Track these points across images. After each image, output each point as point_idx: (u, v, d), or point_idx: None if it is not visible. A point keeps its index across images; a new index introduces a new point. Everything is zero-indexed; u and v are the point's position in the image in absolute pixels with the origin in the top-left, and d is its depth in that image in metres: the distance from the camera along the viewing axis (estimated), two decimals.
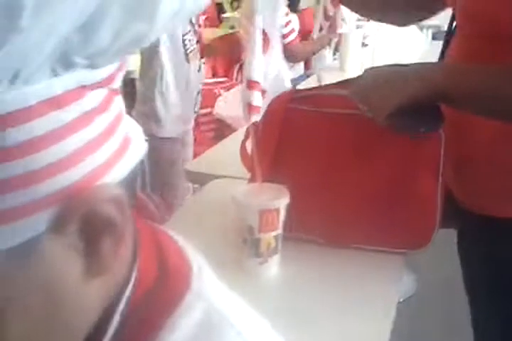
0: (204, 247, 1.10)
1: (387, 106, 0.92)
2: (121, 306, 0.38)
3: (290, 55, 2.58)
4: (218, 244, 1.10)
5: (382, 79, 0.96)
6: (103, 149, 0.34)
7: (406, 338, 2.13)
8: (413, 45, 2.99)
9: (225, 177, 1.38)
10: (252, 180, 1.08)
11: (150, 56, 2.22)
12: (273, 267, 1.00)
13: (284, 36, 2.56)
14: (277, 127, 1.08)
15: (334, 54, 3.21)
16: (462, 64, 0.98)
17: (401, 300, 2.34)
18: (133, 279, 0.39)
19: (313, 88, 1.15)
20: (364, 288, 0.99)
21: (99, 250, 0.34)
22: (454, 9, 1.08)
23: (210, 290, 0.43)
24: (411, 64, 1.01)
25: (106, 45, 0.32)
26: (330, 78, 1.44)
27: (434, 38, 3.61)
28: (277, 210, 0.97)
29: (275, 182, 1.02)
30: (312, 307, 0.93)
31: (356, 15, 2.92)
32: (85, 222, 0.33)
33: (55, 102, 0.31)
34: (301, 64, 3.30)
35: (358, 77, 1.03)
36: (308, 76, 3.09)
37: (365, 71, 1.02)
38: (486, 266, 1.10)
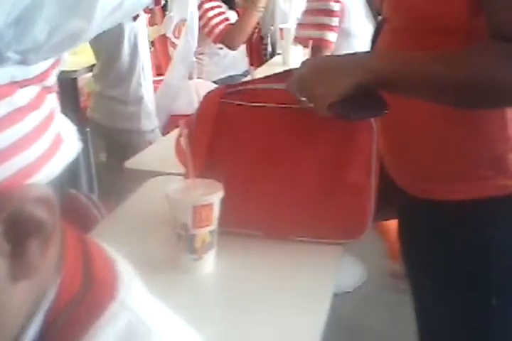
0: (141, 245, 1.10)
1: (330, 96, 0.94)
2: (42, 312, 0.37)
3: (226, 42, 2.61)
4: (155, 242, 1.09)
5: (322, 69, 0.98)
6: (33, 148, 0.33)
7: (353, 327, 2.17)
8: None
9: (165, 174, 1.37)
10: (186, 176, 1.08)
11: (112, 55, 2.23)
12: (209, 263, 1.00)
13: (214, 26, 2.58)
14: (211, 122, 1.08)
15: (273, 49, 3.23)
16: (401, 51, 1.00)
17: (350, 290, 2.37)
18: (56, 285, 0.38)
19: (246, 82, 1.15)
20: (301, 280, 1.00)
21: (25, 252, 0.33)
22: (379, 2, 1.10)
23: (137, 301, 0.43)
24: (346, 54, 1.02)
25: (40, 41, 0.31)
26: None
27: None
28: (211, 205, 0.96)
29: (210, 177, 1.01)
30: (248, 302, 0.93)
31: (297, 10, 2.95)
32: (12, 222, 0.32)
33: None
34: (246, 60, 3.30)
35: (296, 68, 1.04)
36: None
37: (303, 63, 1.02)
38: (430, 253, 1.12)
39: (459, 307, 1.09)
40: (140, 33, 2.28)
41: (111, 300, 0.41)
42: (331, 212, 1.05)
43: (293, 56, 2.81)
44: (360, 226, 1.06)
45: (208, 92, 1.13)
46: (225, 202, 0.98)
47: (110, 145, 2.46)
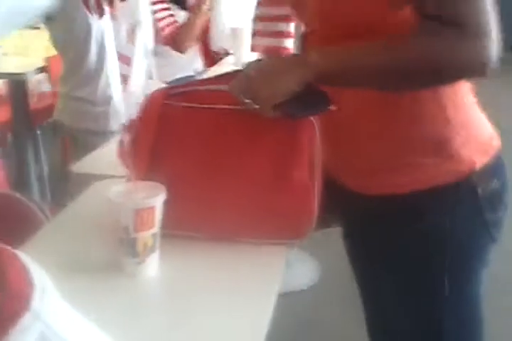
0: (84, 249, 1.08)
1: (275, 96, 0.96)
2: None
3: (173, 45, 2.60)
4: (98, 246, 1.07)
5: (265, 70, 0.99)
6: None
7: (309, 324, 2.18)
8: None
9: (111, 177, 1.35)
10: (128, 179, 1.06)
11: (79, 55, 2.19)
12: (152, 266, 0.98)
13: (161, 29, 2.56)
14: (153, 124, 1.06)
15: None
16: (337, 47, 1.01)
17: (305, 288, 2.39)
18: None
19: (189, 83, 1.14)
20: (246, 281, 0.99)
21: None
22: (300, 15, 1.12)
23: (52, 312, 0.41)
24: (288, 55, 1.03)
25: None
26: None
27: None
28: (153, 208, 0.95)
29: (153, 179, 1.00)
30: (193, 305, 0.92)
31: (248, 10, 2.94)
32: None
33: None
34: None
35: (239, 70, 1.04)
36: None
37: (246, 65, 1.03)
38: (382, 248, 1.12)
39: (412, 298, 1.11)
40: (107, 31, 2.24)
41: (24, 311, 0.40)
42: (275, 213, 1.05)
43: (245, 56, 2.81)
44: (304, 225, 1.06)
45: (151, 93, 1.11)
46: (168, 204, 0.97)
47: (78, 147, 2.40)
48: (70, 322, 0.43)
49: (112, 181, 1.30)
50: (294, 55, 1.00)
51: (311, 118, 1.03)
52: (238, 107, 1.03)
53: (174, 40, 2.58)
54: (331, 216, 1.15)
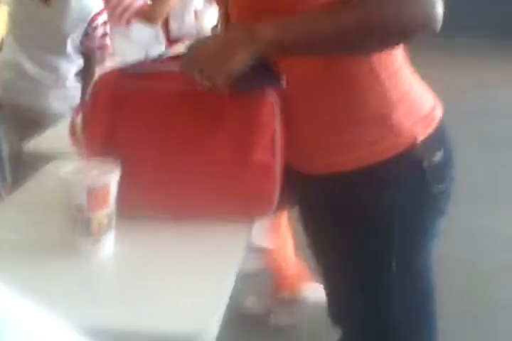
0: (38, 229, 1.06)
1: (227, 73, 0.94)
2: None
3: (146, 16, 2.54)
4: (52, 226, 1.05)
5: (213, 47, 0.97)
6: None
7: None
8: None
9: (67, 156, 1.32)
10: (82, 158, 1.04)
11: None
12: (107, 246, 0.97)
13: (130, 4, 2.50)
14: (106, 103, 1.04)
15: None
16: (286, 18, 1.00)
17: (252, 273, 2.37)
18: None
19: (142, 63, 1.11)
20: (205, 260, 0.98)
21: None
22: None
23: None
24: (231, 29, 1.01)
25: None
26: None
27: None
28: (107, 187, 0.93)
29: (106, 158, 0.98)
30: (149, 284, 0.91)
31: None
32: None
33: None
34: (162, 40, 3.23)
35: (187, 49, 1.02)
36: None
37: (194, 42, 1.01)
38: (331, 225, 1.12)
39: (360, 274, 1.11)
40: None
41: None
42: (237, 191, 1.04)
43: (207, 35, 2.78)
44: (266, 203, 1.06)
45: (104, 73, 1.09)
46: (126, 183, 0.95)
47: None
48: (13, 308, 0.41)
49: (68, 160, 1.27)
50: (242, 30, 0.97)
51: (272, 96, 1.02)
52: (194, 87, 1.02)
53: (147, 11, 2.52)
54: (290, 196, 1.14)
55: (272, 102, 1.03)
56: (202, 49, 0.98)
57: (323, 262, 1.19)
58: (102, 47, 2.33)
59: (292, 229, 1.89)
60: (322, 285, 1.23)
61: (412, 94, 1.05)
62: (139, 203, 1.03)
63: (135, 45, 2.77)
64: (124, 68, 1.09)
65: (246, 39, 0.93)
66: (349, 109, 1.02)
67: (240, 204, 1.06)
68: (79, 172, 0.96)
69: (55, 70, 2.24)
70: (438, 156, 1.03)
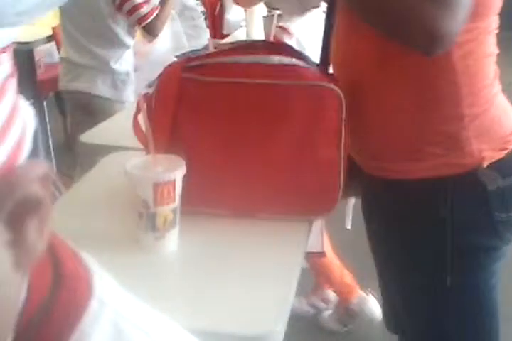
0: (100, 224, 1.05)
1: None
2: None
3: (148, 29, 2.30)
4: (115, 220, 1.04)
5: None
6: (16, 124, 0.30)
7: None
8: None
9: (124, 149, 1.32)
10: (146, 151, 1.03)
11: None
12: (172, 242, 0.96)
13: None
14: (172, 98, 1.02)
15: None
16: None
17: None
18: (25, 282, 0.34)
19: (206, 55, 1.10)
20: (267, 258, 0.97)
21: (27, 238, 0.30)
22: None
23: (113, 296, 0.39)
24: None
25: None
26: None
27: None
28: (173, 182, 0.92)
29: (171, 153, 0.97)
30: (213, 282, 0.90)
31: None
32: (14, 207, 0.29)
33: None
34: (206, 33, 3.22)
35: (254, 41, 1.00)
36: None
37: None
38: (386, 230, 1.10)
39: (415, 287, 1.08)
40: None
41: (90, 296, 0.37)
42: (300, 188, 1.02)
43: (256, 29, 2.75)
44: (329, 201, 1.04)
45: (167, 66, 1.08)
46: (188, 179, 0.94)
47: (89, 116, 2.31)
48: (132, 305, 0.41)
49: (126, 153, 1.27)
50: None
51: (339, 94, 0.99)
52: (260, 80, 1.00)
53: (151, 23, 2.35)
54: (351, 189, 1.12)
55: (340, 98, 1.00)
56: None
57: (379, 267, 1.17)
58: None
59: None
60: (375, 294, 1.21)
61: (490, 114, 0.99)
62: (201, 199, 1.02)
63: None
64: (186, 61, 1.08)
65: None
66: (422, 116, 0.99)
67: (302, 201, 1.04)
68: (145, 167, 0.95)
69: (100, 55, 2.23)
70: (506, 183, 0.98)
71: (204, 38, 2.96)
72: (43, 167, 0.31)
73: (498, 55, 1.01)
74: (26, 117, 0.34)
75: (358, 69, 1.02)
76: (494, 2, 0.95)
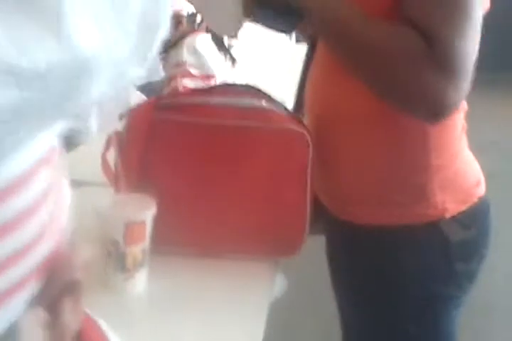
0: None
1: None
2: None
3: None
4: (82, 258, 1.03)
5: None
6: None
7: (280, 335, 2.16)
8: (276, 46, 3.00)
9: (92, 184, 1.31)
10: (116, 189, 1.04)
11: None
12: (140, 282, 0.96)
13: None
14: (143, 137, 1.04)
15: None
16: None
17: (272, 300, 2.37)
18: None
19: (176, 95, 1.12)
20: (235, 298, 0.98)
21: (63, 319, 0.31)
22: None
23: None
24: None
25: None
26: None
27: (297, 40, 3.65)
28: (144, 222, 0.93)
29: (142, 192, 0.97)
30: (181, 322, 0.90)
31: None
32: (58, 293, 0.30)
33: None
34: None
35: (229, 84, 1.02)
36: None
37: None
38: (348, 273, 1.12)
39: (377, 334, 1.09)
40: None
41: None
42: (267, 229, 1.04)
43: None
44: (295, 242, 1.06)
45: (138, 104, 1.08)
46: (158, 219, 0.95)
47: None
48: None
49: (95, 190, 1.26)
50: None
51: (307, 137, 1.02)
52: (230, 122, 1.02)
53: None
54: (316, 227, 1.14)
55: (307, 141, 1.03)
56: None
57: (341, 308, 1.18)
58: None
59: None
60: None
61: (455, 166, 1.02)
62: (169, 239, 1.02)
63: None
64: (158, 100, 1.09)
65: None
66: (391, 166, 1.01)
67: (268, 242, 1.06)
68: (115, 206, 0.95)
69: None
70: (468, 234, 1.01)
71: None
72: (83, 252, 0.32)
73: (470, 111, 1.05)
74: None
75: (333, 114, 1.04)
76: None
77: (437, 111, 0.87)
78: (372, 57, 0.90)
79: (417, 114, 0.92)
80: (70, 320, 0.32)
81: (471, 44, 0.85)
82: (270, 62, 2.50)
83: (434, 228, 1.00)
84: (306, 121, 1.10)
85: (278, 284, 2.47)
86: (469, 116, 1.07)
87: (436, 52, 0.84)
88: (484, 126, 4.09)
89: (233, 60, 1.93)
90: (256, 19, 1.05)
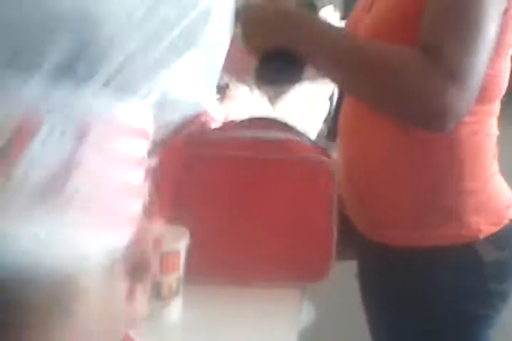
0: None
1: (263, 45, 1.01)
2: None
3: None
4: None
5: (264, 18, 1.02)
6: None
7: None
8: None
9: None
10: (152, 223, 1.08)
11: None
12: (175, 310, 1.00)
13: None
14: (175, 171, 1.09)
15: None
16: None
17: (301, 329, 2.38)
18: None
19: (208, 130, 1.17)
20: (265, 324, 1.01)
21: (135, 297, 0.35)
22: None
23: None
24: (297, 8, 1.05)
25: None
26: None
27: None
28: (178, 252, 0.98)
29: (175, 224, 1.02)
30: None
31: None
32: (135, 264, 0.34)
33: None
34: None
35: (251, 8, 1.06)
36: None
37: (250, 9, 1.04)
38: (381, 296, 1.15)
39: None
40: None
41: None
42: (295, 257, 1.08)
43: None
44: (322, 268, 1.09)
45: (170, 141, 1.14)
46: (190, 248, 0.99)
47: None
48: None
49: None
50: (302, 12, 1.03)
51: (329, 167, 1.07)
52: (259, 155, 1.07)
53: None
54: (347, 252, 1.17)
55: (331, 170, 1.08)
56: (259, 16, 1.02)
57: (374, 332, 1.20)
58: None
59: None
60: None
61: (488, 190, 1.06)
62: (201, 268, 1.06)
63: None
64: (188, 136, 1.15)
65: (292, 26, 0.98)
66: (425, 190, 1.05)
67: (296, 269, 1.10)
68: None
69: None
70: (502, 255, 1.04)
71: None
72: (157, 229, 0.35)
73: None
74: None
75: (363, 144, 1.09)
76: (499, 87, 1.01)
77: (443, 119, 0.88)
78: (372, 75, 0.92)
79: (424, 124, 0.93)
80: (141, 301, 0.36)
81: (478, 57, 0.86)
82: (295, 96, 2.55)
83: (469, 249, 1.03)
84: (339, 148, 1.14)
85: (306, 313, 2.49)
86: (500, 140, 1.10)
87: (440, 62, 0.86)
88: None
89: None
90: (266, 78, 1.08)
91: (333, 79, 1.05)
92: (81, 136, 0.29)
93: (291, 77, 1.09)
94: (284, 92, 1.21)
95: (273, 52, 1.00)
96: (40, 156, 0.27)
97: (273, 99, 1.22)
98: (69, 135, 0.28)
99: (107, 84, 0.29)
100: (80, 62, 0.28)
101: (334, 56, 0.96)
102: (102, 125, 0.30)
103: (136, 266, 0.34)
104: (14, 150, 0.27)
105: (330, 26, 1.01)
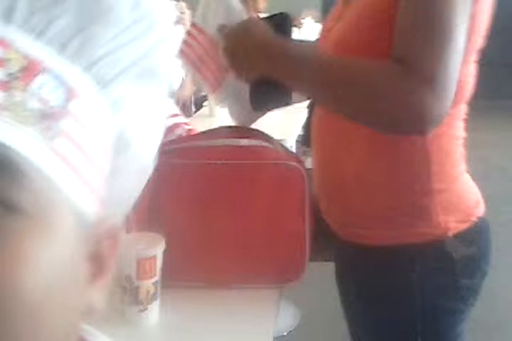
0: None
1: (246, 75, 1.06)
2: None
3: None
4: None
5: (244, 52, 1.04)
6: None
7: None
8: None
9: None
10: (127, 229, 1.11)
11: None
12: (154, 313, 1.03)
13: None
14: (151, 180, 1.12)
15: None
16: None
17: (284, 333, 2.41)
18: None
19: (180, 139, 1.21)
20: (242, 326, 1.04)
21: (102, 253, 0.36)
22: None
23: None
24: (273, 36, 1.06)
25: None
26: (202, 126, 1.51)
27: None
28: (154, 258, 1.01)
29: (150, 230, 1.06)
30: None
31: None
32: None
33: None
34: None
35: (225, 127, 1.10)
36: None
37: (238, 25, 1.07)
38: (358, 295, 1.18)
39: None
40: None
41: None
42: (271, 259, 1.12)
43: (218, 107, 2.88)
44: (297, 270, 1.13)
45: None
46: (166, 254, 1.02)
47: None
48: None
49: None
50: (275, 40, 1.04)
51: (302, 172, 1.11)
52: (230, 161, 1.11)
53: None
54: (323, 254, 1.20)
55: (303, 174, 1.12)
56: (236, 43, 1.06)
57: (350, 326, 1.23)
58: None
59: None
60: None
61: (456, 189, 1.09)
62: (178, 273, 1.09)
63: None
64: (162, 146, 1.17)
65: (264, 57, 1.02)
66: (397, 190, 1.07)
67: (272, 270, 1.13)
68: (127, 243, 1.03)
69: None
70: (470, 251, 1.07)
71: None
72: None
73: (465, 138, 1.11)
74: None
75: (336, 147, 1.11)
76: (464, 91, 1.04)
77: (424, 123, 0.90)
78: (351, 93, 0.95)
79: (405, 132, 0.96)
80: (108, 256, 0.37)
81: (451, 63, 0.90)
82: None
83: (439, 246, 1.06)
84: (312, 151, 1.18)
85: (290, 316, 2.52)
86: (475, 142, 1.12)
87: (415, 71, 0.89)
88: (490, 152, 4.15)
89: None
90: (256, 103, 1.12)
91: (317, 102, 1.09)
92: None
93: (280, 101, 1.13)
94: (258, 117, 1.25)
95: (260, 79, 1.04)
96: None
97: (247, 123, 1.25)
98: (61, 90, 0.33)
99: None
100: None
101: (311, 84, 1.00)
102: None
103: (96, 254, 0.36)
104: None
105: (303, 53, 1.02)
